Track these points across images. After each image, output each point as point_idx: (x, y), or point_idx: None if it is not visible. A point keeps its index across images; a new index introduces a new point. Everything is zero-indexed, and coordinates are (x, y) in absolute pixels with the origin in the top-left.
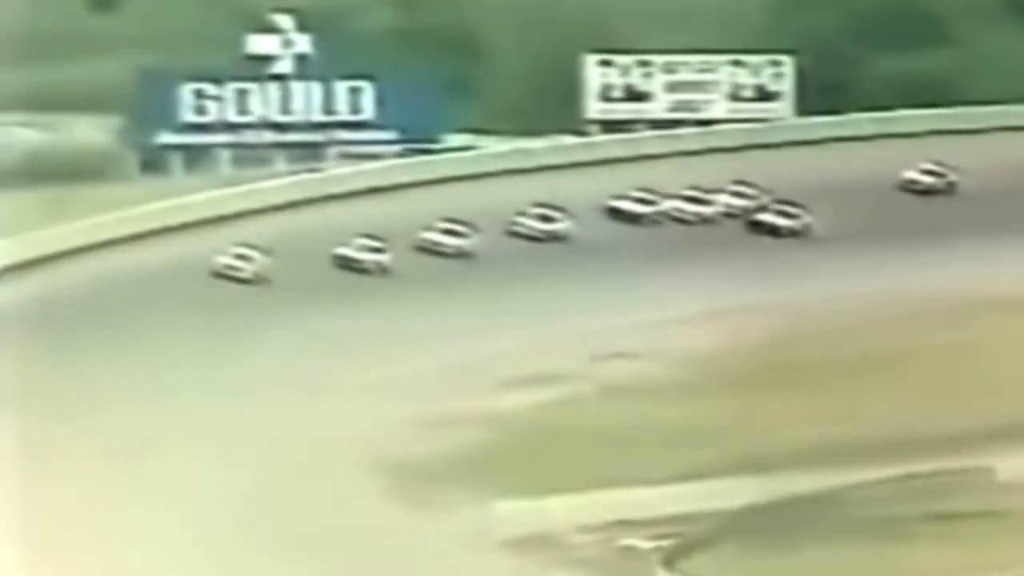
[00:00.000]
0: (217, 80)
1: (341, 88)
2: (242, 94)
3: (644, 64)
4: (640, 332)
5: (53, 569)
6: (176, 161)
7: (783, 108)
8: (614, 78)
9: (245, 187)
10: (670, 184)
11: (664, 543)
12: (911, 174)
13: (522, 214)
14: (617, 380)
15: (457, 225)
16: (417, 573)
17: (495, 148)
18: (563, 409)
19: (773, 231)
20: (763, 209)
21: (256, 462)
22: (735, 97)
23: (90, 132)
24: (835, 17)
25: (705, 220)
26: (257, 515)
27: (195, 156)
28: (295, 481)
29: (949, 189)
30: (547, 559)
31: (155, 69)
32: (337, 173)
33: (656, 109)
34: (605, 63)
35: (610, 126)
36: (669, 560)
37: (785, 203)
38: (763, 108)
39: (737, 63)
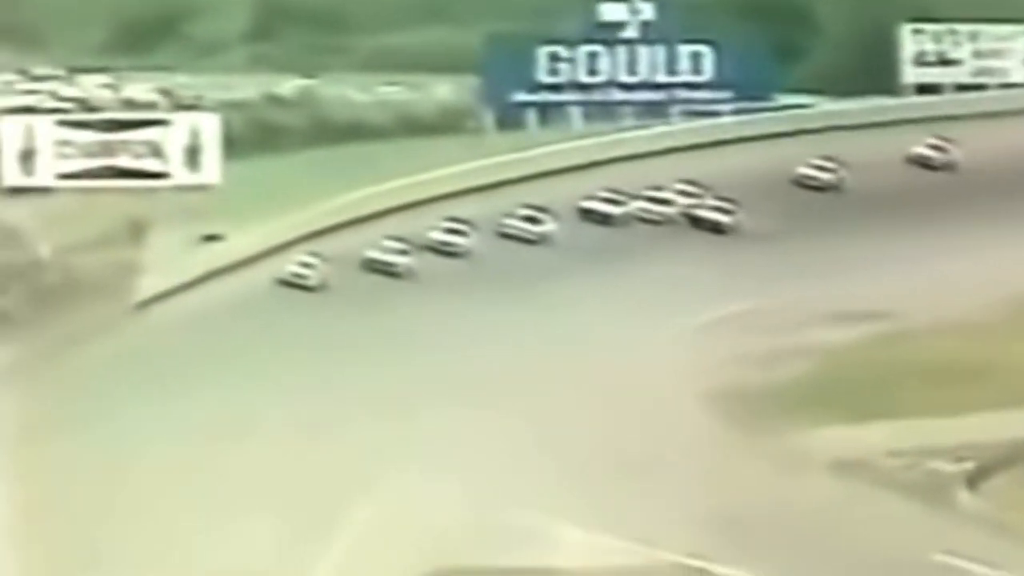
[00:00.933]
0: (570, 44)
1: (683, 51)
2: (592, 56)
3: (952, 33)
4: (963, 272)
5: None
6: (530, 118)
7: None
8: (926, 45)
9: (595, 140)
10: None
11: (967, 466)
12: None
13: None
14: (938, 317)
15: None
16: (747, 490)
17: (821, 107)
18: (883, 344)
19: None
20: None
21: (609, 395)
22: None
23: (450, 91)
24: None
25: None
26: (611, 442)
27: (548, 113)
28: (643, 411)
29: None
30: (862, 480)
31: (511, 34)
32: (678, 128)
33: (962, 73)
34: (918, 31)
35: (922, 89)
36: (972, 481)
37: None
38: None
39: None
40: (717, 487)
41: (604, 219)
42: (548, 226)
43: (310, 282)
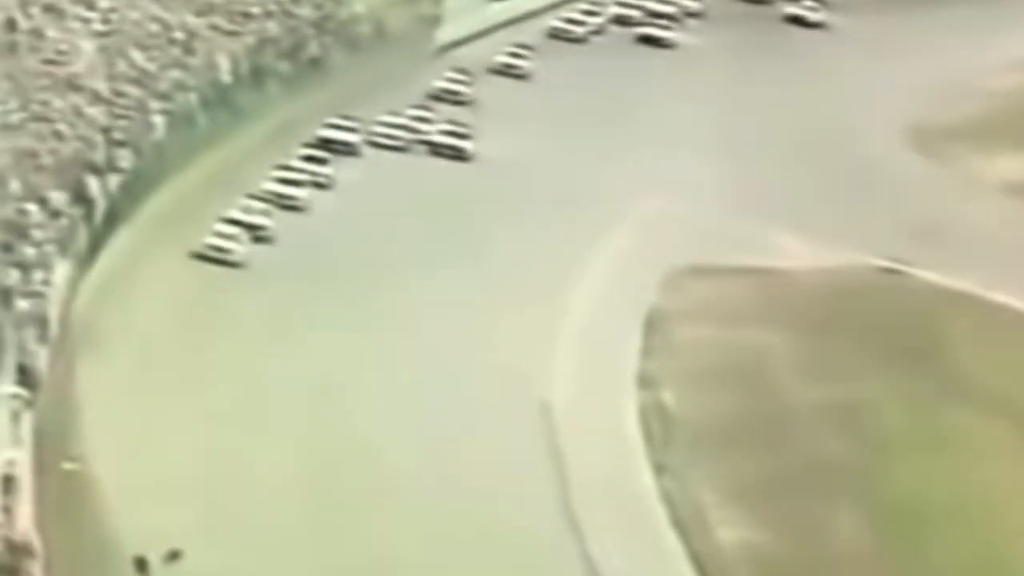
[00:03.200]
0: None
1: None
2: None
3: None
4: None
5: None
6: None
7: None
8: None
9: None
10: None
11: None
12: None
13: None
14: None
15: None
16: (935, 208)
17: None
18: None
19: None
20: None
21: (827, 135)
22: None
23: None
24: None
25: None
26: (827, 168)
27: None
28: (852, 143)
29: None
30: None
31: None
32: None
33: None
34: None
35: None
36: None
37: None
38: None
39: None
40: (911, 205)
41: None
42: None
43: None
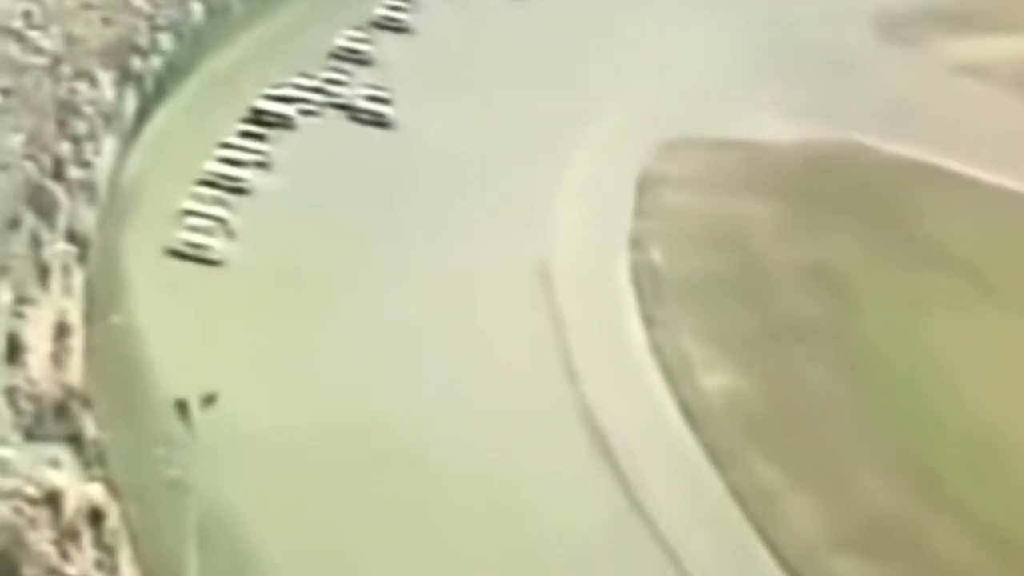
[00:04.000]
0: None
1: None
2: None
3: None
4: None
5: None
6: None
7: None
8: None
9: None
10: None
11: None
12: None
13: None
14: None
15: None
16: (901, 88)
17: None
18: None
19: None
20: None
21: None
22: None
23: None
24: None
25: None
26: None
27: None
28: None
29: None
30: (987, 82)
31: None
32: None
33: None
34: None
35: None
36: None
37: None
38: None
39: None
40: (881, 85)
41: None
42: None
43: None
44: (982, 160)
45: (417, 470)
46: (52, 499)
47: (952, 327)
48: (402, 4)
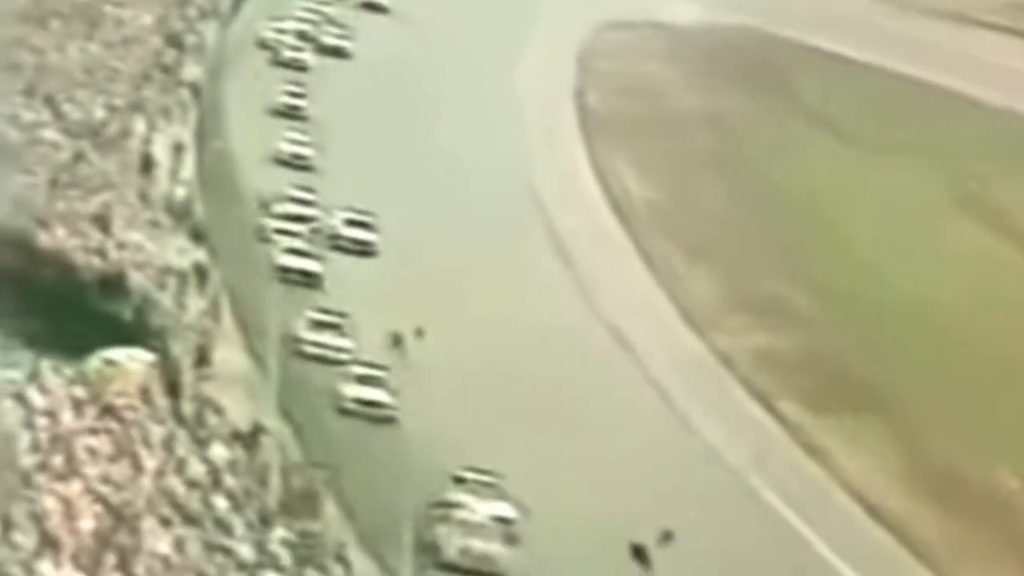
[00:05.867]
0: None
1: None
2: None
3: None
4: None
5: None
6: None
7: None
8: None
9: None
10: None
11: None
12: None
13: None
14: None
15: None
16: None
17: None
18: None
19: None
20: None
21: None
22: None
23: None
24: None
25: None
26: None
27: None
28: None
29: None
30: None
31: None
32: None
33: None
34: None
35: None
36: None
37: None
38: None
39: None
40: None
41: None
42: None
43: None
44: (848, 41)
45: None
46: None
47: (820, 170)
48: None
